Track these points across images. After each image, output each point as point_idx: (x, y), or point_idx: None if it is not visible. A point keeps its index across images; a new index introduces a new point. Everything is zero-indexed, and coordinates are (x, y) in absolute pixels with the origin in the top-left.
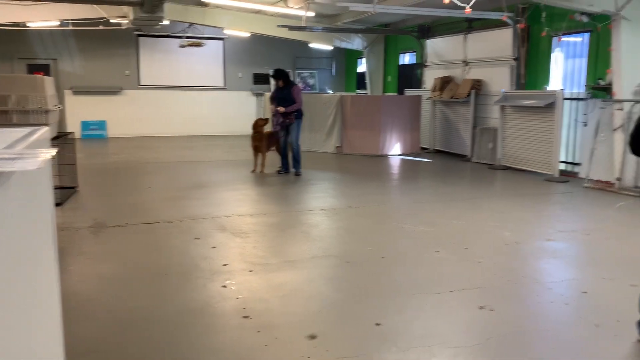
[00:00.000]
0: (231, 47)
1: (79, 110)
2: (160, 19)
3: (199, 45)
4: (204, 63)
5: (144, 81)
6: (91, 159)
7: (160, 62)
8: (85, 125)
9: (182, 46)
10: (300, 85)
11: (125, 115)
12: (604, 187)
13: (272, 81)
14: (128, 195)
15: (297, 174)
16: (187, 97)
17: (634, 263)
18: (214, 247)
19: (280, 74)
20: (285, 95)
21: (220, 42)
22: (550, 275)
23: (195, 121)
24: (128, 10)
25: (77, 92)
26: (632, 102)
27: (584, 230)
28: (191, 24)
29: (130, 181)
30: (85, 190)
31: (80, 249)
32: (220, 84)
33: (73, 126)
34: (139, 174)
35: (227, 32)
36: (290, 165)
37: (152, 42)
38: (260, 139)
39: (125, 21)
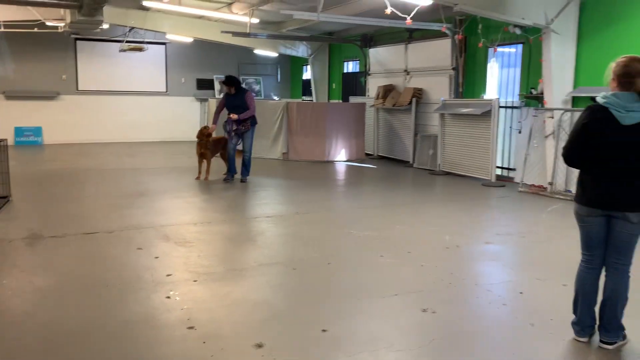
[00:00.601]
0: (174, 52)
1: (12, 116)
2: (100, 22)
3: (140, 49)
4: (146, 68)
5: (82, 86)
6: (26, 166)
7: (99, 66)
8: (19, 131)
9: (123, 50)
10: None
11: (62, 121)
12: (537, 191)
13: (218, 87)
14: (66, 205)
15: (243, 180)
16: (127, 102)
17: (565, 263)
18: (157, 257)
19: (232, 81)
20: (238, 102)
21: (163, 46)
22: (489, 277)
23: (136, 127)
24: (65, 13)
25: (10, 96)
26: (562, 111)
27: (519, 233)
28: (132, 28)
29: (68, 189)
30: (19, 199)
31: (14, 262)
32: (163, 89)
33: (5, 132)
34: (78, 182)
35: (170, 36)
36: (240, 172)
37: (90, 46)
38: (206, 146)
39: (62, 24)
